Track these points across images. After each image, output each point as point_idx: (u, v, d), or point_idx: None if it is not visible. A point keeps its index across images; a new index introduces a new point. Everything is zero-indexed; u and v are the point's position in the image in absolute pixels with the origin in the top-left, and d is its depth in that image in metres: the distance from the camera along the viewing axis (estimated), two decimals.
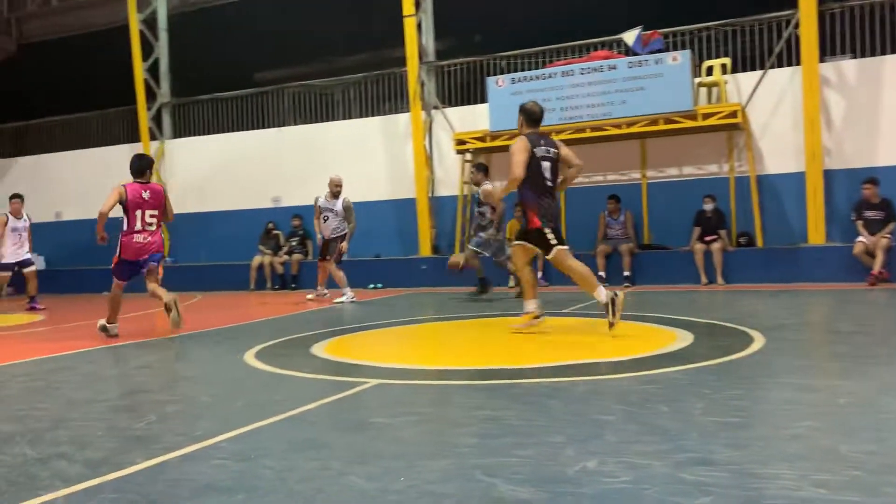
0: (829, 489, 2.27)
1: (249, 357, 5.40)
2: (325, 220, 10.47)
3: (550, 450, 2.81)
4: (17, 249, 11.32)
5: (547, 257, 6.36)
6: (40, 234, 16.17)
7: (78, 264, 16.02)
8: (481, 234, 9.65)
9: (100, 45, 17.07)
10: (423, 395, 4.10)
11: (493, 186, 9.44)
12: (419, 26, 12.92)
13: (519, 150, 6.10)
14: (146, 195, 7.24)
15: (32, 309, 11.18)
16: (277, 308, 9.95)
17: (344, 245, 10.31)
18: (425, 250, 12.85)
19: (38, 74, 18.14)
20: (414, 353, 5.98)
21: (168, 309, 6.84)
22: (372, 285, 12.76)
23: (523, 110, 6.37)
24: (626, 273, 11.13)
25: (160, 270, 7.25)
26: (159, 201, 7.33)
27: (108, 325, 7.08)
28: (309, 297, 10.83)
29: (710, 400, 3.54)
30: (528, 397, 3.75)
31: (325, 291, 10.76)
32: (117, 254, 7.14)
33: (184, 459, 2.87)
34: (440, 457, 2.80)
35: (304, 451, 2.92)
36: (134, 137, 15.67)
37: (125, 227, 7.13)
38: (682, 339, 5.53)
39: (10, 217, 11.35)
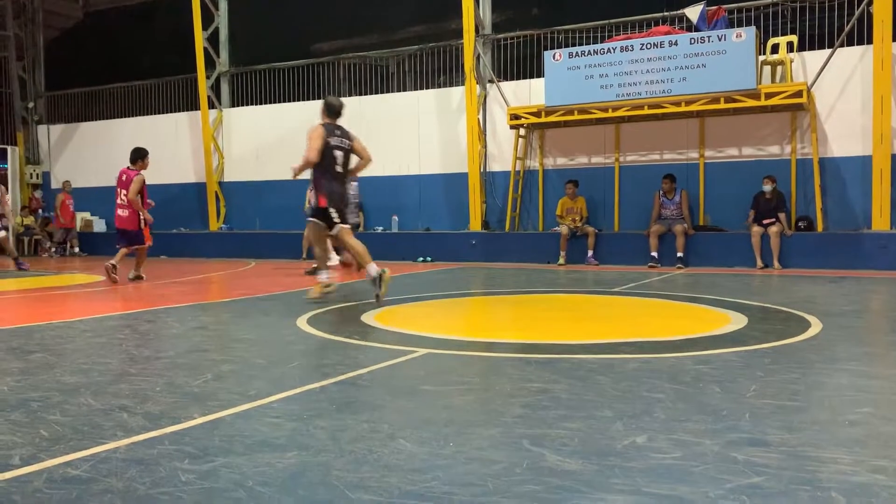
0: (888, 475, 2.22)
1: (302, 323, 5.50)
2: None
3: (599, 424, 2.81)
4: None
5: (331, 233, 7.07)
6: (102, 199, 16.70)
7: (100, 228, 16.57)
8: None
9: (162, 13, 17.38)
10: (472, 366, 4.13)
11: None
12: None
13: (315, 136, 6.85)
14: (124, 178, 9.21)
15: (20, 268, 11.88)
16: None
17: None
18: (475, 225, 12.84)
19: (103, 42, 18.60)
20: (464, 325, 6.01)
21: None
22: (421, 258, 12.84)
23: (325, 102, 7.19)
24: (680, 254, 10.96)
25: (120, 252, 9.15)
26: (125, 185, 9.12)
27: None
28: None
29: (764, 382, 3.48)
30: (578, 372, 3.74)
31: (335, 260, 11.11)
32: None
33: (238, 417, 2.95)
34: (489, 425, 2.82)
35: (356, 414, 2.97)
36: (193, 105, 15.97)
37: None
38: (735, 321, 5.43)
39: None
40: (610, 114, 11.47)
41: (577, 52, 11.66)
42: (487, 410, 3.08)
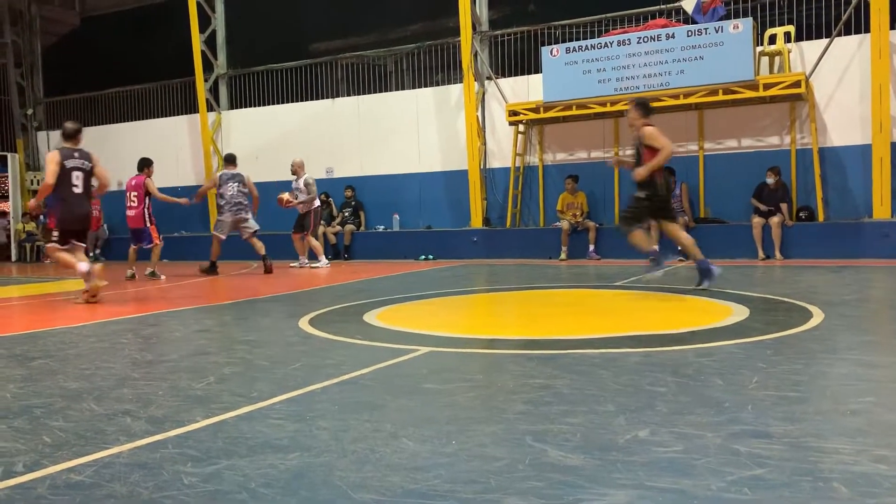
0: (889, 464, 2.22)
1: (304, 323, 5.51)
2: (296, 198, 11.73)
3: (601, 418, 2.81)
4: None
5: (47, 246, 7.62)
6: (105, 203, 16.73)
7: (124, 233, 16.53)
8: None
9: (159, 17, 17.38)
10: (473, 363, 4.13)
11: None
12: None
13: (50, 161, 7.28)
14: (133, 183, 10.34)
15: None
16: (331, 277, 10.11)
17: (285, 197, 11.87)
18: (476, 222, 12.85)
19: (100, 47, 18.61)
20: (465, 323, 6.01)
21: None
22: (423, 256, 12.85)
23: (62, 129, 7.65)
24: (681, 247, 10.93)
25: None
26: (133, 189, 10.51)
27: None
28: (292, 265, 12.09)
29: (767, 374, 3.48)
30: (579, 367, 3.74)
31: (306, 262, 12.00)
32: None
33: (241, 419, 2.96)
34: (491, 422, 2.82)
35: (358, 414, 2.97)
36: (192, 108, 15.98)
37: None
38: (737, 313, 5.43)
39: None
40: (608, 108, 11.46)
41: (574, 48, 11.65)
42: (490, 407, 3.08)
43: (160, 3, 17.42)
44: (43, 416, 3.03)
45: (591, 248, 11.65)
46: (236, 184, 11.16)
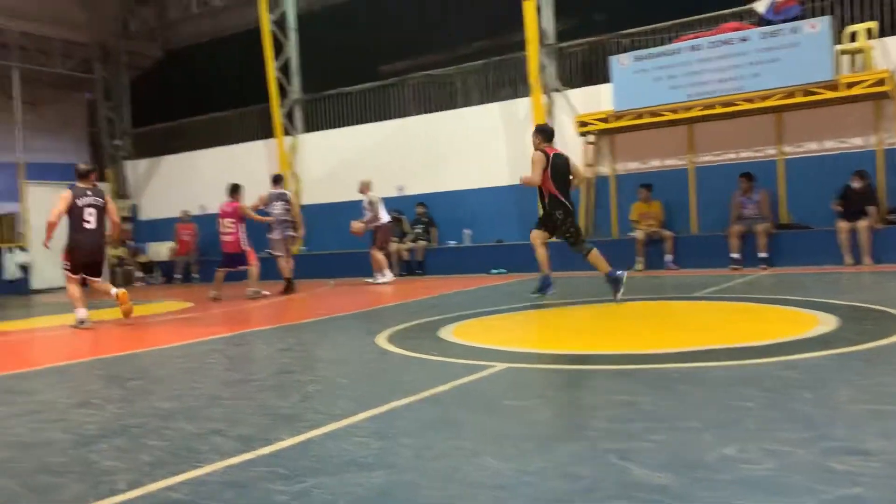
0: None
1: (381, 340, 5.60)
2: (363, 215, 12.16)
3: (686, 435, 2.76)
4: None
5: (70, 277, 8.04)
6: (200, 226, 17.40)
7: (217, 255, 17.11)
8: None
9: (235, 47, 18.04)
10: (552, 379, 4.12)
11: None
12: (538, 9, 12.77)
13: (61, 199, 7.89)
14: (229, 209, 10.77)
15: None
16: (404, 293, 10.23)
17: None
18: None
19: (182, 78, 19.44)
20: (541, 337, 5.99)
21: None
22: (495, 270, 12.84)
23: (75, 169, 8.18)
24: (763, 255, 10.60)
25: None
26: (228, 215, 10.82)
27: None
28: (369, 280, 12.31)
29: (859, 387, 3.34)
30: (661, 382, 3.68)
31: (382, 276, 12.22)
32: None
33: (326, 437, 3.04)
34: (572, 439, 2.81)
35: (439, 431, 3.01)
36: (268, 133, 16.48)
37: None
38: (825, 322, 5.22)
39: None
40: (681, 115, 11.24)
41: (643, 55, 11.49)
42: (570, 425, 3.07)
43: (236, 33, 18.07)
44: (140, 436, 3.19)
45: (669, 257, 11.41)
46: (282, 202, 11.51)
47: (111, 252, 18.14)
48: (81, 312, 7.81)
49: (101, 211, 8.00)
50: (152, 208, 19.02)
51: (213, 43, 18.81)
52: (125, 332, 8.00)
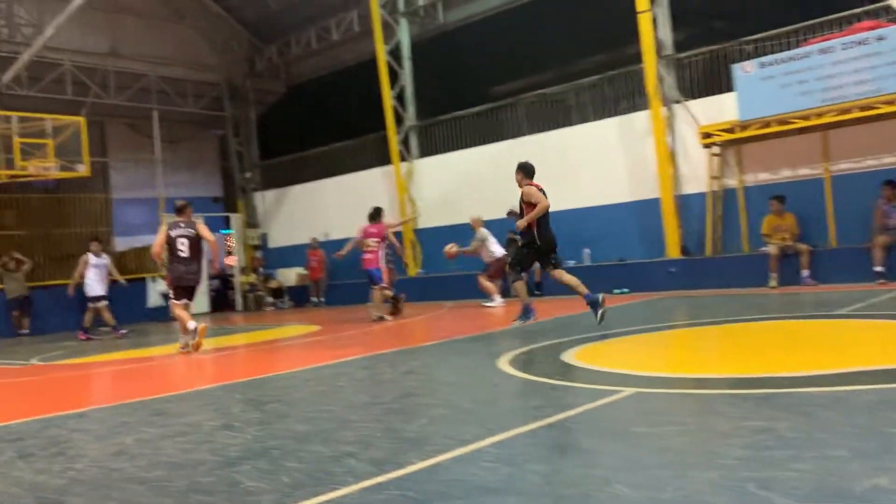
0: None
1: (503, 364, 5.59)
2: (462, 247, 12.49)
3: (833, 464, 2.59)
4: (95, 284, 12.63)
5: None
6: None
7: (346, 278, 17.72)
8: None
9: (352, 79, 18.76)
10: (684, 404, 3.97)
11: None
12: (654, 20, 12.50)
13: (159, 232, 8.79)
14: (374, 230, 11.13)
15: (117, 336, 12.36)
16: None
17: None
18: (673, 252, 12.36)
19: (304, 111, 20.40)
20: (669, 361, 5.79)
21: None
22: (617, 290, 12.55)
23: (173, 204, 9.14)
24: None
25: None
26: (373, 235, 11.12)
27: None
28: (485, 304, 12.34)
29: None
30: (803, 407, 3.47)
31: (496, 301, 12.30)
32: None
33: (455, 461, 3.06)
34: (708, 468, 2.70)
35: (568, 457, 2.97)
36: (385, 160, 16.96)
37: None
38: None
39: (91, 256, 12.76)
40: (814, 121, 10.65)
41: (769, 61, 10.99)
42: (705, 452, 2.95)
43: (353, 66, 18.80)
44: (280, 458, 3.33)
45: (805, 273, 10.77)
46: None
47: (243, 279, 19.19)
48: (192, 324, 8.38)
49: (194, 240, 8.65)
50: (280, 236, 19.96)
51: (331, 76, 19.66)
52: (258, 356, 8.41)
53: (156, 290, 17.30)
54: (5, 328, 14.64)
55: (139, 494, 2.95)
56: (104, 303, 12.68)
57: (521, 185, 8.31)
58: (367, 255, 11.37)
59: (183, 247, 8.57)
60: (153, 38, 18.29)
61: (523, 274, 8.45)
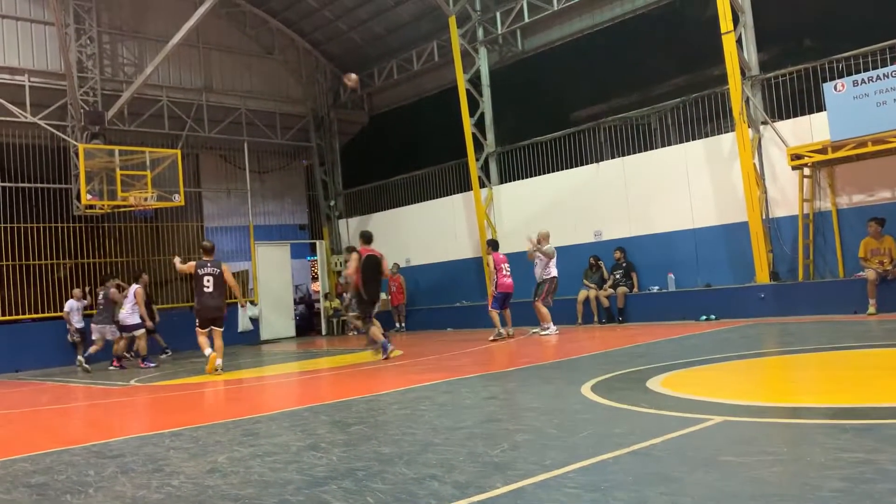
0: None
1: (586, 390, 5.53)
2: (534, 265, 12.50)
3: None
4: (129, 315, 12.75)
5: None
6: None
7: (426, 304, 17.88)
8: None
9: (433, 107, 19.09)
10: (775, 434, 3.83)
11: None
12: (739, 41, 12.24)
13: (188, 268, 10.19)
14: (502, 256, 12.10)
15: (145, 366, 12.37)
16: (607, 341, 10.02)
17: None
18: (762, 277, 11.93)
19: (385, 139, 20.87)
20: (760, 389, 5.59)
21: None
22: (704, 317, 12.20)
23: (202, 245, 10.81)
24: None
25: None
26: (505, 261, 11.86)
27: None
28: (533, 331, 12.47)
29: None
30: None
31: (538, 329, 12.37)
32: None
33: (538, 486, 3.05)
34: (803, 500, 2.60)
35: (654, 486, 2.91)
36: (466, 186, 17.11)
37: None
38: None
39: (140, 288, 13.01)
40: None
41: (863, 79, 10.57)
42: (800, 484, 2.84)
43: (434, 94, 19.15)
44: (365, 479, 3.40)
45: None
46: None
47: (327, 304, 19.62)
48: (208, 350, 9.82)
49: (219, 278, 9.96)
50: None
51: (412, 105, 20.07)
52: (342, 379, 8.58)
53: (245, 316, 17.90)
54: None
55: None
56: (141, 331, 12.87)
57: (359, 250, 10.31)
58: (508, 280, 12.35)
59: (209, 283, 9.90)
60: (243, 74, 19.15)
61: (371, 320, 10.23)
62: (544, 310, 12.20)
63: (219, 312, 10.06)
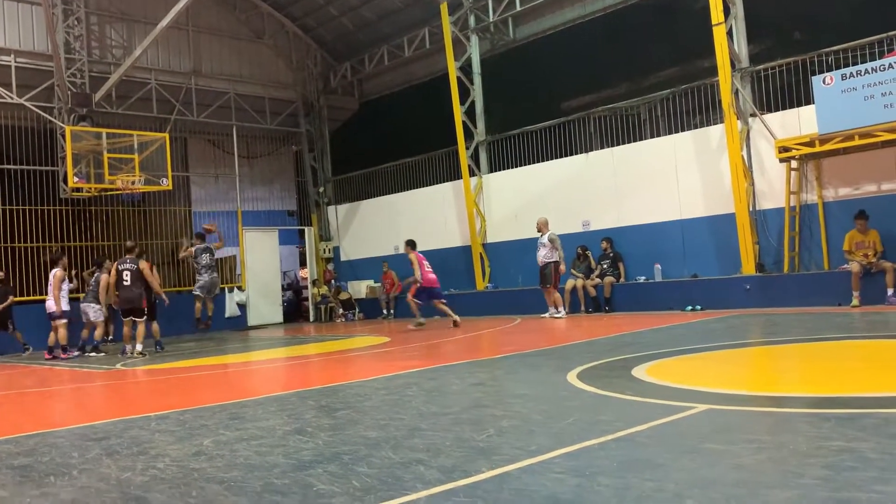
0: None
1: (573, 377, 5.56)
2: (537, 251, 13.07)
3: None
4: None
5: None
6: (380, 268, 18.36)
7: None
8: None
9: (423, 95, 19.02)
10: (759, 422, 3.87)
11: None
12: (729, 33, 12.26)
13: (111, 268, 11.48)
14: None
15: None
16: (594, 330, 10.07)
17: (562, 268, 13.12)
18: (748, 268, 12.01)
19: (375, 126, 20.78)
20: (744, 379, 5.64)
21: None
22: (690, 307, 12.28)
23: (124, 245, 12.13)
24: None
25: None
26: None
27: None
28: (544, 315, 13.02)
29: None
30: (889, 428, 3.33)
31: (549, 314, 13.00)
32: None
33: (523, 471, 3.07)
34: (785, 487, 2.63)
35: (638, 472, 2.94)
36: (455, 175, 17.09)
37: None
38: None
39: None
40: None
41: (851, 73, 10.62)
42: (782, 471, 2.87)
43: (425, 82, 19.08)
44: (351, 463, 3.41)
45: (890, 291, 10.30)
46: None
47: (315, 290, 19.59)
48: (139, 347, 11.06)
49: (135, 273, 11.15)
50: (352, 249, 20.32)
51: (403, 92, 19.99)
52: (330, 365, 8.58)
53: (233, 301, 17.85)
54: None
55: (217, 493, 3.07)
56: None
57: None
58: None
59: (127, 278, 11.11)
60: (233, 57, 19.00)
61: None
62: (558, 294, 13.06)
63: (135, 303, 11.16)
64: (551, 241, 12.99)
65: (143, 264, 11.44)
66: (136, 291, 11.20)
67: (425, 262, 12.91)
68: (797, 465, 2.92)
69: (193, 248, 14.22)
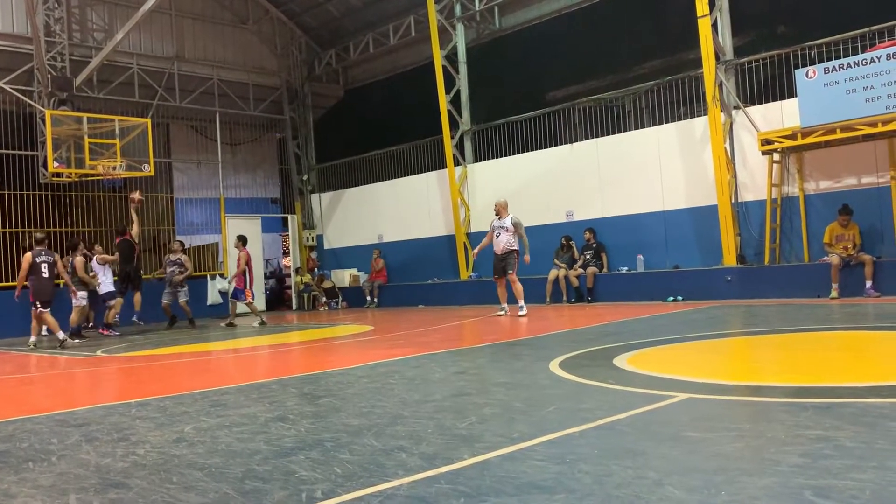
0: None
1: (554, 366, 5.59)
2: (497, 237, 11.64)
3: (894, 475, 2.53)
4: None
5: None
6: (366, 255, 18.35)
7: (399, 280, 17.87)
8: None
9: (409, 83, 18.93)
10: (738, 411, 3.91)
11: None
12: (714, 25, 12.30)
13: (24, 259, 11.12)
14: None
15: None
16: (576, 320, 10.12)
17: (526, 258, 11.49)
18: (730, 260, 12.12)
19: (360, 114, 20.68)
20: (724, 368, 5.70)
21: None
22: (671, 298, 12.38)
23: (34, 237, 11.67)
24: None
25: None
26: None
27: None
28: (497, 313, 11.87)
29: None
30: (865, 417, 3.38)
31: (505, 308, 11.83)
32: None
33: (504, 458, 3.09)
34: (763, 474, 2.66)
35: (619, 459, 2.96)
36: (440, 164, 17.06)
37: None
38: None
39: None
40: (880, 128, 10.32)
41: (833, 67, 10.71)
42: (760, 458, 2.91)
43: (410, 70, 19.00)
44: (333, 449, 3.41)
45: (869, 284, 10.44)
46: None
47: (298, 279, 19.51)
48: (33, 339, 11.13)
49: (52, 265, 11.15)
50: (335, 237, 20.26)
51: (388, 80, 19.89)
52: (313, 353, 8.56)
53: (215, 289, 17.74)
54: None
55: (198, 479, 3.05)
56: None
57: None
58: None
59: (45, 270, 11.10)
60: (216, 43, 18.81)
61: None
62: (520, 286, 11.38)
63: (52, 295, 11.31)
64: (515, 225, 11.43)
65: (58, 258, 11.47)
66: (52, 284, 11.27)
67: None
68: (775, 452, 2.95)
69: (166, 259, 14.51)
